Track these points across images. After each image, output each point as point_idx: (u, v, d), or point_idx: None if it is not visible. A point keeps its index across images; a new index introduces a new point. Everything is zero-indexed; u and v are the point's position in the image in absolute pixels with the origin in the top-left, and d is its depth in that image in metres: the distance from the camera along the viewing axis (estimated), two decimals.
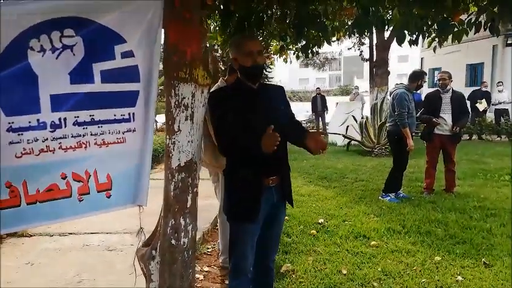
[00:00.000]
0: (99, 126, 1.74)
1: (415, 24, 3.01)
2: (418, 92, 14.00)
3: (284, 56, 4.94)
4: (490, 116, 12.00)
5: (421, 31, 3.32)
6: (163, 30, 1.95)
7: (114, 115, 1.80)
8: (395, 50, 11.88)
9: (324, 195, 5.30)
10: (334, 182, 6.18)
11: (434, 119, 5.05)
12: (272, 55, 5.84)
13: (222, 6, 3.17)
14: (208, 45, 4.49)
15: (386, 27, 4.31)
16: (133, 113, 1.86)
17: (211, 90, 2.96)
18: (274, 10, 4.05)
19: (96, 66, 1.71)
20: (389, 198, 4.98)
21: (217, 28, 3.72)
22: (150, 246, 2.09)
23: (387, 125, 5.41)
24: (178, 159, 1.98)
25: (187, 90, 1.96)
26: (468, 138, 10.93)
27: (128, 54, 1.80)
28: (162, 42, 1.97)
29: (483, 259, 3.18)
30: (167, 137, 1.98)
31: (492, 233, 3.75)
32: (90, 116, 1.72)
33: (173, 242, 2.01)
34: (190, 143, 2.00)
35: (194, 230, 2.11)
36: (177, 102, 1.95)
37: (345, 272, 3.06)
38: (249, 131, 1.96)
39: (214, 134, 2.16)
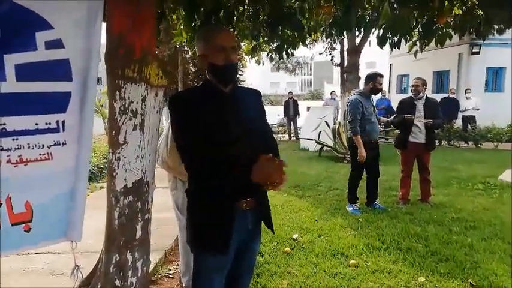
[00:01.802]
0: (13, 139, 1.31)
1: (402, 25, 2.74)
2: (388, 98, 14.21)
3: (256, 57, 4.60)
4: (458, 122, 12.19)
5: (404, 33, 3.08)
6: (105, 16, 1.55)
7: (36, 124, 1.37)
8: (363, 56, 11.85)
9: (298, 206, 4.98)
10: (307, 190, 5.89)
11: (406, 116, 4.88)
12: (244, 56, 5.48)
13: None
14: (178, 45, 4.09)
15: (363, 29, 4.09)
16: (63, 121, 1.44)
17: (175, 93, 2.57)
18: (246, 6, 3.71)
19: (9, 58, 1.28)
20: (351, 209, 4.76)
21: (182, 24, 3.32)
22: None
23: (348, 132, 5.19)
24: (125, 179, 1.58)
25: (136, 92, 1.56)
26: (438, 144, 11.01)
27: (54, 45, 1.39)
28: (104, 31, 1.57)
29: (469, 280, 2.95)
30: (110, 151, 1.57)
31: (474, 248, 3.54)
32: (0, 125, 1.28)
33: (117, 282, 1.60)
34: (139, 158, 1.60)
35: (146, 266, 1.71)
36: (122, 108, 1.55)
37: None
38: (225, 148, 1.57)
39: (177, 148, 1.67)
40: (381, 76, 4.71)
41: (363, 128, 4.59)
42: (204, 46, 1.63)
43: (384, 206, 4.90)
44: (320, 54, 16.43)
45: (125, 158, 1.57)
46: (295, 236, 3.88)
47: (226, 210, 1.62)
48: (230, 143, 1.58)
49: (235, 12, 3.37)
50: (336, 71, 22.90)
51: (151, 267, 3.22)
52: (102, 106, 12.79)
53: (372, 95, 4.81)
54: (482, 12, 3.13)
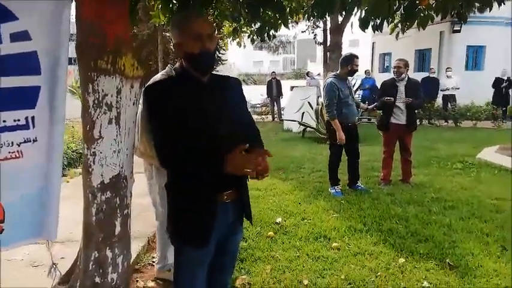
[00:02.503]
0: None
1: (384, 8, 2.70)
2: (372, 77, 14.25)
3: (238, 40, 4.50)
4: (438, 101, 12.37)
5: (386, 16, 3.04)
6: (74, 3, 1.46)
7: (4, 121, 1.30)
8: (346, 35, 11.79)
9: (281, 189, 5.01)
10: (291, 173, 5.92)
11: (386, 98, 4.93)
12: (225, 37, 5.36)
13: None
14: (157, 24, 3.94)
15: (347, 9, 4.02)
16: (32, 117, 1.37)
17: (150, 82, 2.48)
18: None
19: None
20: (334, 191, 4.82)
21: (159, 6, 3.19)
22: (67, 285, 1.64)
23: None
24: (101, 175, 1.53)
25: (111, 84, 1.50)
26: (419, 123, 11.18)
27: (21, 37, 1.31)
28: (74, 20, 1.48)
29: (447, 259, 3.04)
30: (85, 146, 1.52)
31: (452, 228, 3.65)
32: None
33: (97, 279, 1.58)
34: (116, 153, 1.55)
35: (126, 261, 1.68)
36: (96, 101, 1.48)
37: (306, 282, 2.78)
38: (202, 139, 1.52)
39: (153, 140, 1.60)
40: (357, 57, 4.67)
41: (340, 111, 4.60)
42: (179, 34, 1.56)
43: (366, 187, 4.98)
44: (303, 32, 16.27)
45: (101, 153, 1.51)
46: (279, 220, 3.91)
47: (206, 204, 1.59)
48: (208, 133, 1.54)
49: None
50: (320, 50, 22.77)
51: (134, 255, 3.21)
52: (79, 88, 12.43)
53: (349, 77, 4.81)
54: None
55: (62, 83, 1.43)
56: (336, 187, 4.86)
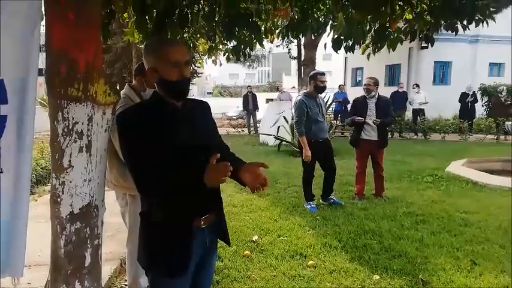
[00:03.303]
0: None
1: (356, 30, 2.78)
2: (344, 91, 14.57)
3: (213, 58, 4.50)
4: (408, 115, 12.77)
5: (358, 38, 3.13)
6: (44, 26, 1.42)
7: None
8: (319, 49, 12.10)
9: (258, 205, 5.00)
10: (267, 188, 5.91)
11: (356, 118, 5.04)
12: (200, 55, 5.35)
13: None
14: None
15: (320, 32, 4.13)
16: None
17: (120, 108, 2.44)
18: (201, 6, 3.60)
19: None
20: (309, 207, 4.86)
21: (134, 24, 3.16)
22: None
23: None
24: (71, 205, 1.48)
25: (81, 112, 1.46)
26: (390, 136, 11.49)
27: None
28: (44, 43, 1.44)
29: (420, 275, 3.10)
30: (53, 175, 1.46)
31: (424, 243, 3.73)
32: None
33: None
34: (87, 182, 1.51)
35: None
36: (66, 129, 1.44)
37: None
38: (180, 163, 1.51)
39: (130, 169, 1.52)
40: (321, 74, 4.71)
41: (309, 128, 4.66)
42: (155, 60, 1.54)
43: (339, 200, 5.04)
44: (277, 46, 16.54)
45: (70, 182, 1.46)
46: (255, 237, 3.88)
47: (184, 232, 1.56)
48: (187, 157, 1.53)
49: (190, 13, 3.27)
50: (294, 63, 23.13)
51: (105, 279, 3.10)
52: None
53: (319, 94, 4.84)
54: (430, 18, 3.25)
55: (30, 111, 1.37)
56: (310, 203, 4.89)
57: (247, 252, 3.56)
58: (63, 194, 1.45)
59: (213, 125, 1.80)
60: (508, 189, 5.66)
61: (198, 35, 4.11)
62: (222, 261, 3.40)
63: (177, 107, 1.59)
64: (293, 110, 4.74)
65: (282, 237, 3.94)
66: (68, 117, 1.42)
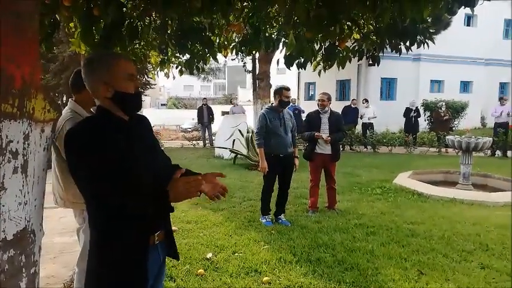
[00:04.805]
0: None
1: (307, 48, 2.85)
2: (296, 105, 14.91)
3: (166, 71, 4.41)
4: (358, 128, 13.30)
5: (309, 56, 3.21)
6: None
7: None
8: (274, 63, 12.34)
9: (212, 221, 4.91)
10: (222, 202, 5.83)
11: (316, 133, 5.14)
12: (152, 68, 5.23)
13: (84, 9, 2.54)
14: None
15: (272, 49, 4.20)
16: None
17: (69, 122, 2.33)
18: (153, 18, 3.53)
19: None
20: (264, 221, 4.86)
21: (80, 35, 3.02)
22: None
23: None
24: (3, 231, 1.35)
25: (16, 129, 1.35)
26: (342, 149, 11.87)
27: None
28: None
29: (371, 287, 3.18)
30: None
31: (375, 254, 3.84)
32: None
33: None
34: (22, 205, 1.39)
35: None
36: None
37: None
38: (141, 177, 1.50)
39: (92, 194, 1.44)
40: (286, 89, 4.75)
41: (269, 141, 4.68)
42: (108, 73, 1.49)
43: (287, 221, 4.91)
44: (232, 60, 16.63)
45: (3, 206, 1.33)
46: (209, 255, 3.80)
47: (140, 249, 1.53)
48: (143, 172, 1.53)
49: (141, 25, 3.19)
50: (250, 77, 23.39)
51: None
52: None
53: (283, 109, 4.81)
54: (376, 39, 3.42)
55: None
56: (266, 217, 4.89)
57: (201, 270, 3.46)
58: None
59: (156, 138, 1.82)
60: (449, 199, 6.02)
61: (150, 47, 4.01)
62: (174, 282, 3.29)
63: (125, 120, 1.57)
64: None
65: (237, 254, 3.88)
66: (1, 135, 1.30)
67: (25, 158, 1.38)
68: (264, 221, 4.85)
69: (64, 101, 13.49)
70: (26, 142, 1.37)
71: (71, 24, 3.51)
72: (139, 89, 1.59)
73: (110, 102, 1.52)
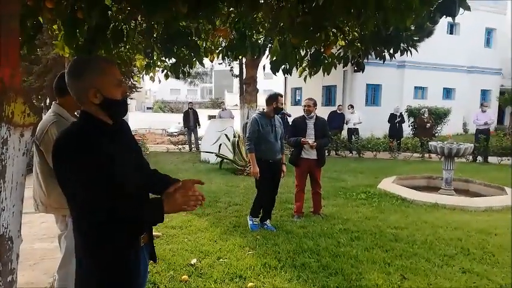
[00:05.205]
0: None
1: (292, 55, 2.87)
2: (283, 109, 14.97)
3: (151, 74, 4.38)
4: (344, 133, 13.43)
5: (295, 62, 3.24)
6: None
7: None
8: (261, 68, 12.39)
9: (197, 227, 4.87)
10: (207, 207, 5.81)
11: (302, 139, 5.16)
12: (137, 71, 5.19)
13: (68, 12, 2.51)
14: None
15: (257, 55, 4.22)
16: None
17: (54, 125, 2.30)
18: (138, 21, 3.51)
19: None
20: (251, 222, 4.85)
21: (63, 38, 2.98)
22: None
23: None
24: None
25: None
26: (327, 154, 11.96)
27: None
28: None
29: None
30: None
31: (359, 259, 3.86)
32: None
33: None
34: (0, 211, 1.35)
35: None
36: None
37: None
38: (131, 184, 1.52)
39: (83, 199, 1.39)
40: (281, 96, 4.88)
41: (259, 147, 4.68)
42: (98, 79, 1.46)
43: (273, 226, 4.90)
44: (219, 64, 16.63)
45: None
46: (194, 261, 3.76)
47: (133, 252, 1.55)
48: (134, 179, 1.54)
49: (126, 29, 3.16)
50: (237, 81, 23.43)
51: None
52: None
53: (274, 115, 4.80)
54: (361, 46, 3.47)
55: None
56: (254, 218, 4.86)
57: (185, 277, 3.43)
58: None
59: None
60: (431, 204, 6.12)
61: (135, 51, 3.98)
62: None
63: (110, 125, 1.55)
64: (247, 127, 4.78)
65: (221, 259, 3.85)
66: None
67: (3, 163, 1.35)
68: (250, 222, 4.84)
69: (48, 104, 13.25)
70: (5, 147, 1.34)
71: (55, 27, 3.47)
72: (126, 95, 1.58)
73: (96, 108, 1.49)
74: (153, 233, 4.65)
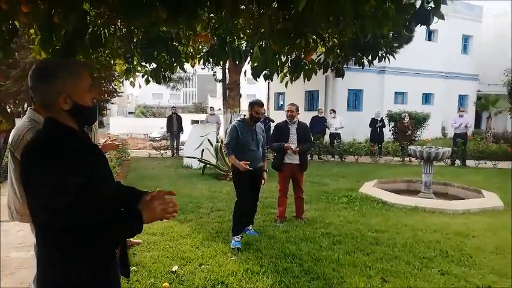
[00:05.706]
0: None
1: (273, 61, 2.89)
2: (266, 114, 15.01)
3: (132, 79, 4.33)
4: (326, 138, 13.56)
5: (276, 68, 3.26)
6: None
7: None
8: (243, 73, 12.43)
9: (179, 233, 4.82)
10: (189, 213, 5.76)
11: (285, 144, 5.17)
12: (118, 76, 5.12)
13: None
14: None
15: (238, 61, 4.23)
16: None
17: (29, 132, 2.25)
18: (118, 26, 3.47)
19: None
20: (233, 241, 4.38)
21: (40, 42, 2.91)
22: None
23: None
24: None
25: None
26: (310, 158, 12.04)
27: None
28: None
29: None
30: None
31: (340, 263, 3.89)
32: None
33: None
34: None
35: None
36: None
37: None
38: (104, 193, 1.45)
39: (54, 208, 1.30)
40: (260, 105, 4.50)
41: (240, 155, 4.45)
42: (71, 84, 1.40)
43: (255, 231, 4.85)
44: (202, 69, 16.57)
45: None
46: (175, 268, 3.72)
47: (109, 265, 1.49)
48: (106, 185, 1.49)
49: (105, 34, 3.12)
50: (220, 86, 23.43)
51: None
52: None
53: (256, 123, 4.59)
54: (340, 52, 3.52)
55: None
56: (236, 237, 4.43)
57: (166, 284, 3.38)
58: None
59: None
60: (411, 207, 6.22)
61: (115, 55, 3.93)
62: None
63: (78, 132, 1.49)
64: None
65: (203, 266, 3.82)
66: None
67: None
68: (233, 241, 4.38)
69: (25, 108, 12.94)
70: None
71: (31, 31, 3.40)
72: (100, 100, 1.56)
73: (65, 114, 1.42)
74: (134, 240, 4.56)
